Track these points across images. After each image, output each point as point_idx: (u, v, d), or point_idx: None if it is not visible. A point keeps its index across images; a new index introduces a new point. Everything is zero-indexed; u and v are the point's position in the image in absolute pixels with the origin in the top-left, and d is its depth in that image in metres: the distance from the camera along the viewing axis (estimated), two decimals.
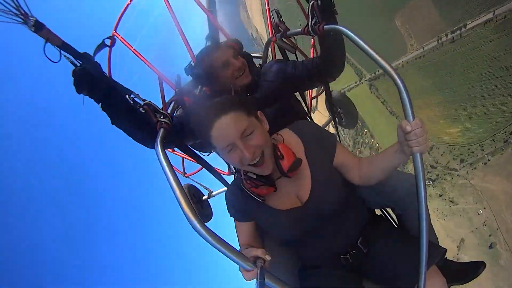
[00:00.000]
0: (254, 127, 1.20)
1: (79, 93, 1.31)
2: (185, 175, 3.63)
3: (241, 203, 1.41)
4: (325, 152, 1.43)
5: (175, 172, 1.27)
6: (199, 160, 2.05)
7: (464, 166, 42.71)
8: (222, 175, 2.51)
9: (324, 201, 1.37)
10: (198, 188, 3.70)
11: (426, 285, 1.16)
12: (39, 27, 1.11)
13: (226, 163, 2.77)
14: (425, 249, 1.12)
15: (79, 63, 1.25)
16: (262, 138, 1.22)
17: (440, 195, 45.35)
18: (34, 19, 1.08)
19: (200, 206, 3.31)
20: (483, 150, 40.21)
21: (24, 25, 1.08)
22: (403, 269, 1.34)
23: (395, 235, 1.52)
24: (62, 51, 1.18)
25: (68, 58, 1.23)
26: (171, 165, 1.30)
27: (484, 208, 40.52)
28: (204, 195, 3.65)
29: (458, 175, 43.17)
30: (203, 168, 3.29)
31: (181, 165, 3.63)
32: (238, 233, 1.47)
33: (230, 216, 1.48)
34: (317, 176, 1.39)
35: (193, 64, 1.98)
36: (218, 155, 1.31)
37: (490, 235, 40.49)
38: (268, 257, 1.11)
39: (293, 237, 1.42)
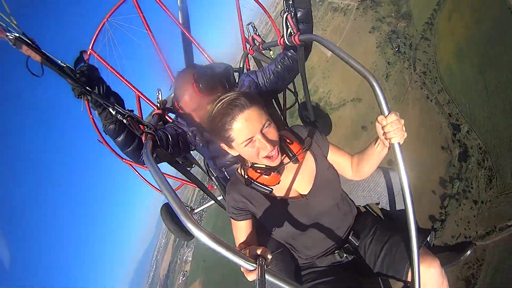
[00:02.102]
0: (270, 121, 1.27)
1: (78, 97, 1.37)
2: None
3: (244, 196, 1.44)
4: (321, 150, 1.53)
5: (167, 180, 1.25)
6: (186, 173, 2.04)
7: None
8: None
9: (325, 195, 1.46)
10: None
11: (421, 266, 1.23)
12: (18, 45, 1.12)
13: (208, 175, 2.73)
14: (414, 231, 1.19)
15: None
16: (277, 132, 1.29)
17: None
18: (13, 37, 1.09)
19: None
20: None
21: (6, 41, 1.08)
22: (396, 255, 1.40)
23: (382, 226, 1.60)
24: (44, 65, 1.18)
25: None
26: (162, 173, 1.28)
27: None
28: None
29: None
30: (184, 185, 3.22)
31: None
32: (235, 233, 1.48)
33: (229, 215, 1.49)
34: (320, 171, 1.48)
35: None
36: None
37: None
38: (269, 255, 1.11)
39: (293, 230, 1.46)
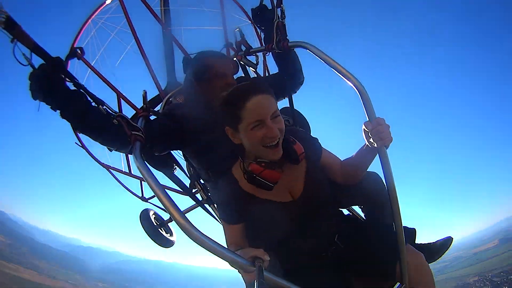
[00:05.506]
0: (279, 113, 1.30)
1: (35, 99, 1.23)
2: (145, 199, 3.41)
3: (236, 200, 1.42)
4: (313, 153, 1.55)
5: (159, 182, 1.22)
6: (171, 176, 2.00)
7: None
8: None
9: (316, 197, 1.47)
10: (157, 213, 3.50)
11: (408, 261, 1.29)
12: (10, 25, 1.01)
13: (191, 179, 2.67)
14: (401, 230, 1.26)
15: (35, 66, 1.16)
16: (283, 124, 1.31)
17: None
18: (6, 15, 0.98)
19: (164, 230, 3.13)
20: None
21: None
22: (383, 253, 1.45)
23: (368, 227, 1.66)
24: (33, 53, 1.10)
25: (27, 58, 1.13)
26: (154, 175, 1.25)
27: None
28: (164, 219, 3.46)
29: None
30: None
31: (140, 188, 3.42)
32: (228, 237, 1.46)
33: (222, 219, 1.46)
34: (311, 173, 1.50)
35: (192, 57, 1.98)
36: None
37: None
38: (267, 257, 1.11)
39: (283, 232, 1.46)
